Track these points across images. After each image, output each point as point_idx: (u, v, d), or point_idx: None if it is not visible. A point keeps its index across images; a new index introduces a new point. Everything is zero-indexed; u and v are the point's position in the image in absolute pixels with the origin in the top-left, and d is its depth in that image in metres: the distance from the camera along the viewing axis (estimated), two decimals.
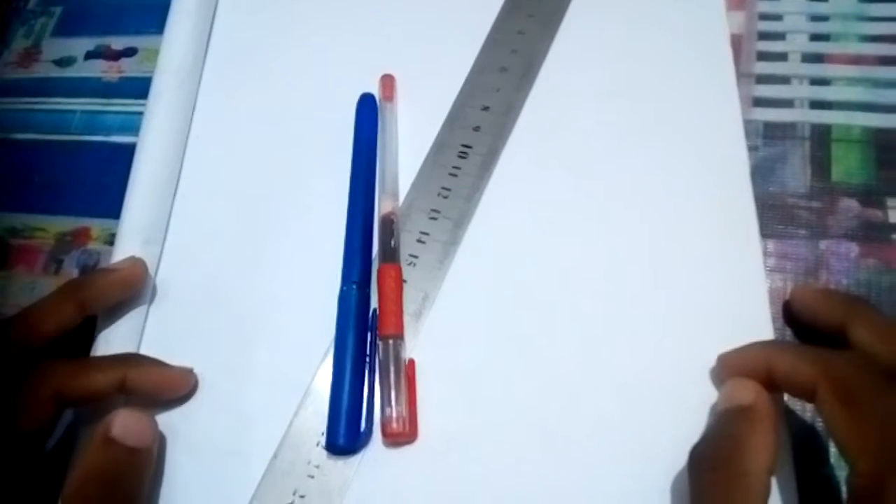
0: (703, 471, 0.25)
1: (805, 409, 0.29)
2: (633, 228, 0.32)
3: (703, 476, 0.24)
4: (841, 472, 0.28)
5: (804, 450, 0.28)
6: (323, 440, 0.29)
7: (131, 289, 0.32)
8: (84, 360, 0.31)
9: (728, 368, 0.28)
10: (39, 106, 0.42)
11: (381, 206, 0.34)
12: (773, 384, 0.26)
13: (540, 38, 0.38)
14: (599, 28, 0.37)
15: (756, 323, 0.30)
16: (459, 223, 0.34)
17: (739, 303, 0.30)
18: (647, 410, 0.29)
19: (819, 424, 0.28)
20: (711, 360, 0.29)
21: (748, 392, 0.25)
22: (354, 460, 0.29)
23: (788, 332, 0.30)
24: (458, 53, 0.38)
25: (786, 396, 0.28)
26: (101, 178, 0.39)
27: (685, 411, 0.28)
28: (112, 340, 0.32)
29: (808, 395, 0.25)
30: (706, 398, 0.28)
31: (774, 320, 0.30)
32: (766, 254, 0.31)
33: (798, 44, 0.36)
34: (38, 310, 0.30)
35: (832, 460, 0.28)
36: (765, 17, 0.37)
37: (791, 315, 0.30)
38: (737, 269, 0.31)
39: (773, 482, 0.24)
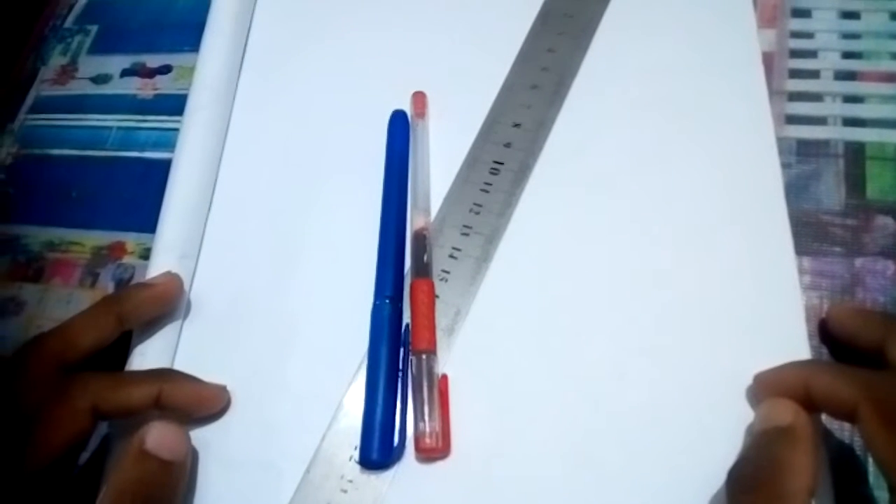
0: (742, 492, 0.24)
1: (842, 427, 0.28)
2: (665, 246, 0.32)
3: (743, 497, 0.24)
4: (880, 490, 0.27)
5: (842, 468, 0.27)
6: (356, 454, 0.30)
7: (168, 304, 0.33)
8: (120, 374, 0.31)
9: (765, 388, 0.28)
10: (76, 122, 0.43)
11: (413, 222, 0.34)
12: (811, 405, 0.25)
13: (570, 55, 0.38)
14: (630, 46, 0.38)
15: (792, 341, 0.29)
16: (491, 239, 0.34)
17: (775, 321, 0.30)
18: (681, 429, 0.29)
19: (857, 442, 0.28)
20: (747, 379, 0.29)
21: (787, 412, 0.25)
22: (388, 475, 0.29)
23: (825, 351, 0.30)
24: (489, 71, 0.38)
25: (823, 416, 0.28)
26: (136, 193, 0.39)
27: (720, 430, 0.28)
28: (147, 354, 0.32)
29: (848, 415, 0.24)
30: (742, 417, 0.28)
31: (810, 338, 0.30)
32: (801, 271, 0.31)
33: (830, 61, 0.36)
34: (77, 324, 0.30)
35: (871, 479, 0.28)
36: (796, 35, 0.37)
37: (828, 333, 0.30)
38: (772, 286, 0.31)
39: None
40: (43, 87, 0.45)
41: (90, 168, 0.41)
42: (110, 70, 0.45)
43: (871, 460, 0.28)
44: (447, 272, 0.33)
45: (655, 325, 0.31)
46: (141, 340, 0.32)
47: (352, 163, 0.37)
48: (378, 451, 0.29)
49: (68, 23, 0.47)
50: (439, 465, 0.29)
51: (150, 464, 0.27)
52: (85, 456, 0.32)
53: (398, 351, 0.31)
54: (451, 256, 0.33)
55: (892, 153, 0.33)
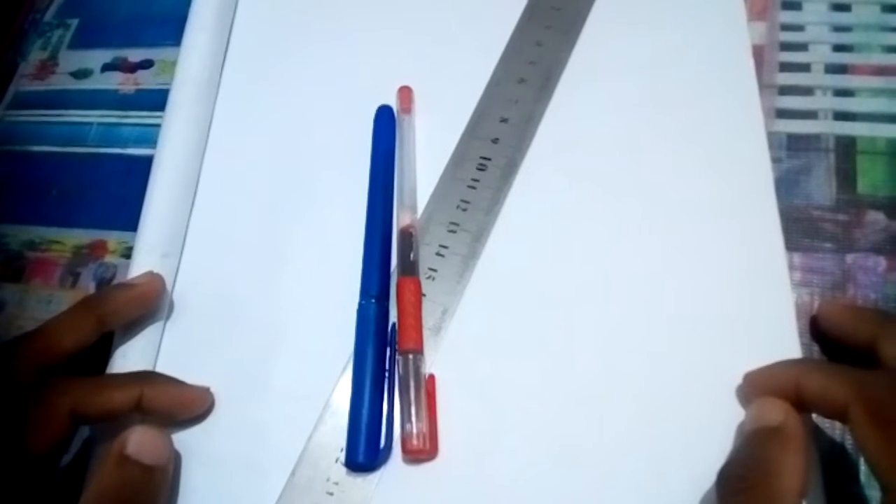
0: (732, 493, 0.24)
1: (833, 426, 0.28)
2: (654, 242, 0.32)
3: (733, 498, 0.24)
4: (872, 490, 0.27)
5: (833, 467, 0.27)
6: (342, 456, 0.29)
7: (150, 304, 0.32)
8: (101, 377, 0.31)
9: (755, 387, 0.27)
10: (56, 118, 0.42)
11: (399, 219, 0.34)
12: (802, 404, 0.25)
13: (558, 48, 0.37)
14: (619, 39, 0.37)
15: (782, 338, 0.29)
16: (478, 236, 0.33)
17: (765, 318, 0.30)
18: (670, 428, 0.28)
19: (848, 441, 0.28)
20: (737, 377, 0.28)
21: (777, 412, 0.25)
22: (374, 477, 0.29)
23: (816, 348, 0.30)
24: (476, 65, 0.38)
25: (814, 415, 0.28)
26: (118, 190, 0.39)
27: (710, 430, 0.28)
28: (129, 356, 0.32)
29: (839, 415, 0.24)
30: (732, 417, 0.28)
31: (801, 335, 0.29)
32: (791, 267, 0.31)
33: (821, 54, 0.36)
34: (57, 325, 0.29)
35: (862, 478, 0.27)
36: (787, 27, 0.37)
37: (818, 331, 0.30)
38: (762, 283, 0.30)
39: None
40: (22, 83, 0.44)
41: (71, 165, 0.40)
42: (91, 65, 0.44)
43: (862, 460, 0.27)
44: (434, 270, 0.33)
45: (644, 322, 0.30)
46: (122, 342, 0.32)
47: (337, 159, 0.36)
48: (364, 453, 0.29)
49: (48, 17, 0.47)
50: (426, 466, 0.29)
51: (131, 469, 0.27)
52: (67, 458, 0.31)
53: (384, 351, 0.31)
54: (438, 254, 0.33)
55: (884, 147, 0.33)
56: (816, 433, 0.28)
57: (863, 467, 0.27)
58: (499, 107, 0.36)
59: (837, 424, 0.28)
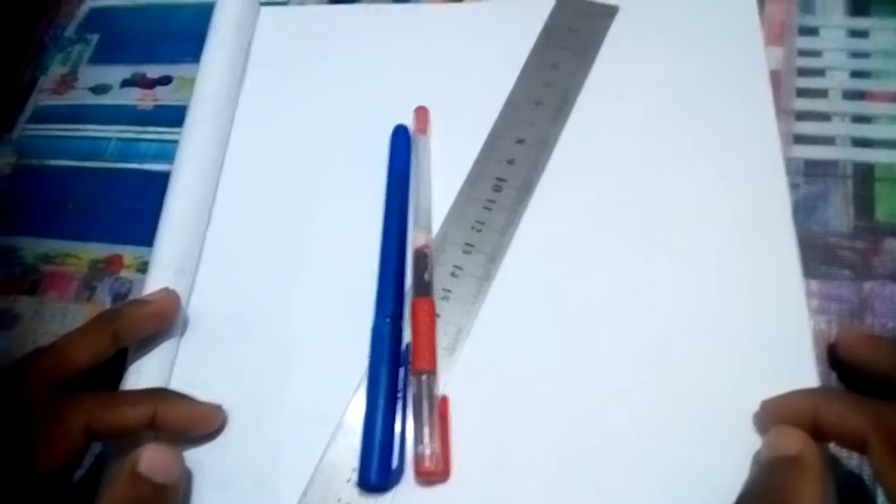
0: None
1: (851, 456, 0.28)
2: (670, 267, 0.32)
3: None
4: None
5: (851, 498, 0.27)
6: (354, 476, 0.29)
7: (165, 321, 0.32)
8: (115, 394, 0.31)
9: (772, 416, 0.27)
10: (74, 133, 0.43)
11: (414, 240, 0.34)
12: (820, 433, 0.25)
13: (575, 71, 0.38)
14: (635, 62, 0.37)
15: (800, 366, 0.29)
16: (493, 257, 0.33)
17: (783, 345, 0.29)
18: (686, 456, 0.28)
19: (866, 472, 0.28)
20: (754, 405, 0.28)
21: (795, 441, 0.25)
22: (386, 498, 0.29)
23: (833, 376, 0.29)
24: (493, 86, 0.38)
25: (831, 444, 0.27)
26: (135, 205, 0.39)
27: (726, 458, 0.27)
28: (143, 372, 0.32)
29: (857, 446, 0.24)
30: (749, 445, 0.27)
31: (818, 363, 0.29)
32: (809, 294, 0.31)
33: (839, 81, 0.36)
34: (72, 341, 0.30)
35: None
36: (804, 53, 0.37)
37: (836, 359, 0.29)
38: (779, 309, 0.30)
39: None
40: (42, 97, 0.45)
41: (88, 179, 0.41)
42: (110, 80, 0.44)
43: (880, 491, 0.27)
44: (448, 291, 0.33)
45: (659, 348, 0.30)
46: (137, 358, 0.32)
47: (353, 178, 0.37)
48: (377, 474, 0.29)
49: (69, 32, 0.47)
50: (439, 488, 0.29)
51: (143, 487, 0.27)
52: (79, 473, 0.31)
53: (398, 371, 0.31)
54: (453, 275, 0.33)
55: None
56: (834, 463, 0.27)
57: (881, 499, 0.27)
58: (515, 128, 0.37)
59: (855, 454, 0.28)
